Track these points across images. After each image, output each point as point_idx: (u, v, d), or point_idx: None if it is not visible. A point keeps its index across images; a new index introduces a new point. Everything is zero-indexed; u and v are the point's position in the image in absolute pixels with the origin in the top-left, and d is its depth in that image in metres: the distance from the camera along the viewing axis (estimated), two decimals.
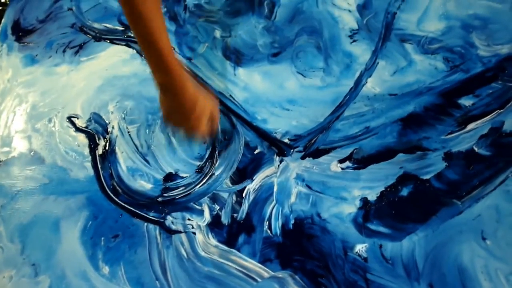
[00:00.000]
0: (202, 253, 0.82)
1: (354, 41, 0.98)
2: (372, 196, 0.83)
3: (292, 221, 0.83)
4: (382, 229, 0.80)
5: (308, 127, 0.91)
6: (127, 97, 0.97)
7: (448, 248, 0.77)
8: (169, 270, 0.82)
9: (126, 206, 0.87)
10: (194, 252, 0.82)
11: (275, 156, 0.88)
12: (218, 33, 1.03)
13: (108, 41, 1.03)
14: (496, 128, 0.85)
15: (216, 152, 0.90)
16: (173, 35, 1.04)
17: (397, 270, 0.78)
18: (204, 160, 0.90)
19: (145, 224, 0.85)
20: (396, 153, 0.86)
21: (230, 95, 0.96)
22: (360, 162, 0.86)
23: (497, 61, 0.92)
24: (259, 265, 0.81)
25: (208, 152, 0.90)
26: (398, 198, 0.82)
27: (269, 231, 0.83)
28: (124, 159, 0.91)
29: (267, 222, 0.84)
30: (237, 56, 1.00)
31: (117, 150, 0.92)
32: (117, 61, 1.01)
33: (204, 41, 1.02)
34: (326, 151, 0.88)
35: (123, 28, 1.05)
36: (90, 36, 1.04)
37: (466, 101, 0.89)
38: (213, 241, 0.83)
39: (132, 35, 1.03)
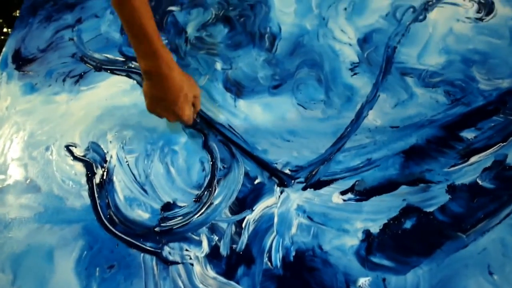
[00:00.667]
0: (200, 285, 0.79)
1: (355, 74, 0.99)
2: (374, 229, 0.81)
3: (293, 253, 0.81)
4: (385, 262, 0.78)
5: (309, 159, 0.90)
6: (126, 126, 0.96)
7: (455, 282, 0.75)
8: None
9: (123, 236, 0.85)
10: (192, 284, 0.80)
11: (276, 186, 0.86)
12: (219, 65, 1.03)
13: (109, 71, 1.03)
14: (499, 161, 0.85)
15: (215, 181, 0.88)
16: None
17: None
18: (202, 189, 0.88)
19: (142, 254, 0.83)
20: (399, 185, 0.84)
21: (230, 126, 0.95)
22: (362, 194, 0.85)
23: (498, 94, 0.92)
24: None
25: (207, 180, 0.89)
26: (401, 230, 0.80)
27: (269, 263, 0.81)
28: (122, 188, 0.89)
29: (267, 254, 0.81)
30: (237, 88, 1.00)
31: (114, 179, 0.90)
32: (117, 92, 1.01)
33: (205, 73, 1.03)
34: (327, 183, 0.87)
35: (124, 59, 1.05)
36: (91, 66, 1.04)
37: (468, 134, 0.88)
38: (211, 272, 0.80)
39: (133, 65, 1.03)
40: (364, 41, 1.05)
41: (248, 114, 0.96)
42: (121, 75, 1.04)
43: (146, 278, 0.80)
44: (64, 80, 1.03)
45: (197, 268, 0.81)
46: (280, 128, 0.94)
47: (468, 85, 0.96)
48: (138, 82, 1.02)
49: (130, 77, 1.03)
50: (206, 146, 0.93)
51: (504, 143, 0.86)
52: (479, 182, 0.83)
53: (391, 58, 1.01)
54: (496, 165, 0.84)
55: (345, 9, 1.09)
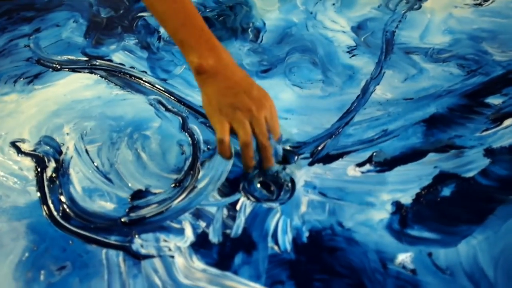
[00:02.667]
0: (184, 281, 0.58)
1: (353, 55, 0.86)
2: (406, 199, 0.64)
3: (306, 234, 0.62)
4: (427, 234, 0.60)
5: (313, 134, 0.74)
6: (87, 118, 0.79)
7: None
8: None
9: (79, 231, 0.64)
10: (173, 280, 0.58)
11: (277, 164, 0.68)
12: None
13: (70, 70, 0.88)
14: None
15: (198, 163, 0.70)
16: (144, 61, 0.90)
17: (460, 281, 0.55)
18: (183, 173, 0.69)
19: (104, 250, 0.62)
20: (426, 153, 0.69)
21: None
22: (383, 164, 0.68)
23: None
24: None
25: (188, 163, 0.70)
26: (439, 198, 0.63)
27: (276, 247, 0.60)
28: (80, 179, 0.70)
29: (272, 238, 0.61)
30: None
31: (71, 171, 0.71)
32: (78, 87, 0.86)
33: (181, 64, 0.88)
34: (338, 156, 0.70)
35: (87, 59, 0.91)
36: (48, 68, 0.89)
37: (494, 100, 0.76)
38: (199, 264, 0.59)
39: (97, 63, 0.89)
40: (358, 28, 0.95)
41: None
42: (84, 72, 0.88)
43: (110, 278, 0.58)
44: (15, 82, 0.87)
45: (179, 261, 0.60)
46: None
47: (482, 57, 0.85)
48: (102, 76, 0.86)
49: (93, 73, 0.87)
50: (185, 129, 0.75)
51: None
52: None
53: (391, 41, 0.90)
54: None
55: (333, 4, 1.00)
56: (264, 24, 0.97)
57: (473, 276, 0.56)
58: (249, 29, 0.96)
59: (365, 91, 0.81)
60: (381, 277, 0.57)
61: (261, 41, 0.93)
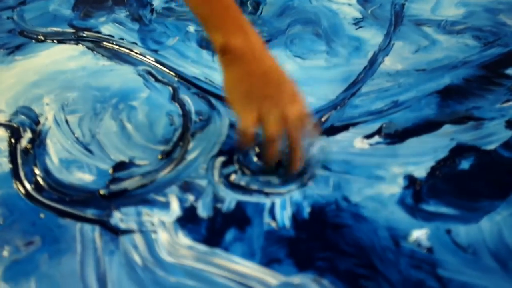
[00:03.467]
0: (168, 258, 0.51)
1: (360, 27, 0.79)
2: (420, 172, 0.56)
3: (308, 209, 0.54)
4: (445, 210, 0.53)
5: (316, 105, 0.66)
6: (69, 89, 0.72)
7: None
8: (112, 284, 0.49)
9: (52, 204, 0.56)
10: (155, 258, 0.51)
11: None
12: (191, 28, 0.83)
13: (55, 41, 0.81)
14: None
15: (189, 134, 0.63)
16: (135, 33, 0.83)
17: (484, 260, 0.48)
18: (171, 144, 0.62)
19: (79, 224, 0.54)
20: (441, 124, 0.61)
21: (207, 78, 0.72)
22: (394, 136, 0.61)
23: None
24: (262, 267, 0.49)
25: (177, 134, 0.63)
26: (458, 172, 0.55)
27: (273, 223, 0.53)
28: (57, 150, 0.63)
29: (269, 213, 0.54)
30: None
31: (48, 142, 0.65)
32: (62, 58, 0.79)
33: (174, 36, 0.81)
34: (344, 128, 0.63)
35: (74, 31, 0.84)
36: (32, 39, 0.82)
37: None
38: (186, 240, 0.52)
39: (85, 35, 0.82)
40: (365, 0, 0.87)
41: None
42: (70, 43, 0.81)
43: (83, 254, 0.51)
44: None
45: (163, 236, 0.52)
46: None
47: (500, 29, 0.78)
48: (88, 48, 0.79)
49: (80, 43, 0.80)
50: (175, 99, 0.68)
51: None
52: None
53: (400, 13, 0.83)
54: None
55: None
56: None
57: (499, 254, 0.49)
58: (248, 2, 0.89)
59: (373, 62, 0.74)
60: (393, 255, 0.50)
61: (261, 13, 0.86)
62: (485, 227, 0.52)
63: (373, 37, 0.79)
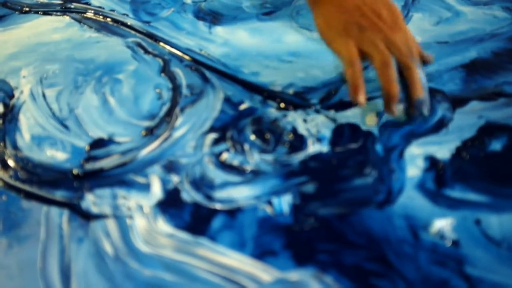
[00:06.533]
0: (143, 248, 0.43)
1: None
2: (443, 153, 0.48)
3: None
4: (473, 196, 0.44)
5: (323, 79, 0.58)
6: (50, 61, 0.65)
7: None
8: (77, 277, 0.41)
9: (17, 184, 0.49)
10: (129, 247, 0.43)
11: (276, 110, 0.53)
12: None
13: (40, 13, 0.74)
14: None
15: (177, 109, 0.55)
16: (127, 4, 0.75)
17: None
18: (157, 119, 0.54)
19: (45, 208, 0.46)
20: (467, 100, 0.52)
21: (201, 50, 0.64)
22: None
23: None
24: (254, 260, 0.41)
25: (165, 109, 0.55)
26: (488, 153, 0.46)
27: (268, 209, 0.45)
28: (30, 126, 0.56)
29: (266, 197, 0.46)
30: (213, 17, 0.71)
31: (21, 117, 0.57)
32: (46, 29, 0.72)
33: (169, 7, 0.74)
34: (354, 103, 0.54)
35: (62, 1, 0.76)
36: (15, 10, 0.75)
37: None
38: (166, 227, 0.44)
39: (72, 6, 0.75)
40: None
41: (229, 39, 0.67)
42: (56, 15, 0.74)
43: (47, 242, 0.44)
44: None
45: (139, 223, 0.44)
46: (276, 50, 0.64)
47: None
48: (75, 19, 0.72)
49: (66, 15, 0.73)
50: (165, 72, 0.60)
51: None
52: None
53: None
54: None
55: None
56: None
57: None
58: None
59: None
60: (411, 249, 0.41)
61: None
62: None
63: None
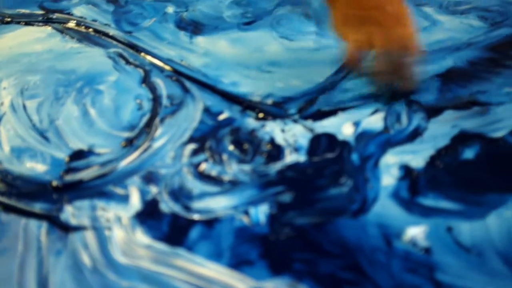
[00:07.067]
0: (121, 259, 0.43)
1: None
2: (417, 162, 0.49)
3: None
4: (445, 204, 0.45)
5: (302, 89, 0.59)
6: (32, 72, 0.65)
7: None
8: None
9: None
10: (107, 258, 0.43)
11: (254, 120, 0.54)
12: (170, 9, 0.76)
13: (22, 23, 0.74)
14: None
15: (157, 120, 0.56)
16: (109, 14, 0.76)
17: (491, 263, 0.40)
18: (137, 130, 0.55)
19: (23, 221, 0.47)
20: (441, 110, 0.53)
21: (182, 60, 0.65)
22: None
23: None
24: (230, 270, 0.42)
25: (145, 120, 0.56)
26: (461, 162, 0.47)
27: (245, 219, 0.45)
28: (9, 138, 0.56)
29: (242, 207, 0.47)
30: (195, 27, 0.72)
31: (1, 129, 0.57)
32: (28, 40, 0.72)
33: (151, 17, 0.74)
34: (332, 113, 0.55)
35: (44, 12, 0.77)
36: None
37: None
38: (144, 238, 0.45)
39: (54, 17, 0.75)
40: None
41: (210, 49, 0.68)
42: (38, 25, 0.74)
43: (25, 255, 0.44)
44: None
45: (118, 234, 0.45)
46: (256, 60, 0.65)
47: (508, 9, 0.71)
48: (57, 30, 0.72)
49: (48, 25, 0.73)
50: (146, 82, 0.61)
51: None
52: None
53: None
54: None
55: None
56: None
57: (508, 256, 0.41)
58: None
59: None
60: (384, 257, 0.42)
61: None
62: (492, 224, 0.44)
63: None
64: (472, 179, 0.48)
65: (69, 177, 0.51)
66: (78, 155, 0.54)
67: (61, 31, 0.74)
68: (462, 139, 0.52)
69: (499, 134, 0.53)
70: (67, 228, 0.47)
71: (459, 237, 0.43)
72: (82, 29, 0.73)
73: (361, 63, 0.57)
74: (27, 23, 0.76)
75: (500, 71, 0.61)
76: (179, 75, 0.63)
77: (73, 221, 0.47)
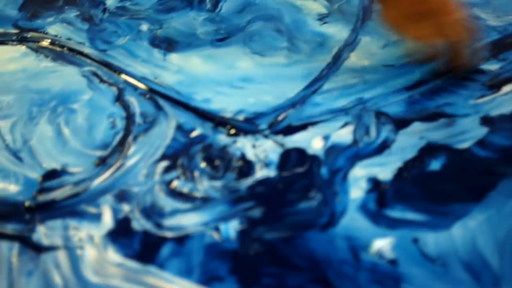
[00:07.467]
0: (93, 278, 0.43)
1: (324, 23, 0.73)
2: (385, 174, 0.50)
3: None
4: (412, 215, 0.46)
5: (272, 104, 0.60)
6: (5, 92, 0.66)
7: None
8: None
9: None
10: (78, 278, 0.44)
11: (226, 137, 0.55)
12: (144, 27, 0.77)
13: None
14: None
15: (130, 138, 0.56)
16: (84, 33, 0.76)
17: (455, 273, 0.41)
18: (109, 149, 0.55)
19: None
20: (409, 122, 0.55)
21: (156, 78, 0.65)
22: None
23: None
24: (200, 287, 0.42)
25: (118, 138, 0.57)
26: (427, 173, 0.49)
27: (215, 235, 0.46)
28: None
29: (213, 223, 0.47)
30: (168, 44, 0.72)
31: None
32: (1, 60, 0.72)
33: (126, 35, 0.75)
34: (302, 127, 0.56)
35: (18, 31, 0.77)
36: None
37: (491, 66, 0.62)
38: (115, 257, 0.45)
39: (28, 36, 0.76)
40: None
41: (183, 66, 0.68)
42: (12, 44, 0.75)
43: None
44: None
45: (90, 253, 0.45)
46: (228, 76, 0.66)
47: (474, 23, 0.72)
48: (31, 49, 0.73)
49: (22, 44, 0.74)
50: (120, 101, 0.62)
51: None
52: None
53: (369, 7, 0.77)
54: None
55: None
56: None
57: (472, 266, 0.43)
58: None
59: (337, 58, 0.68)
60: (352, 269, 0.43)
61: (220, 10, 0.80)
62: (456, 234, 0.45)
63: (338, 32, 0.73)
64: (438, 190, 0.49)
65: (42, 197, 0.52)
66: (51, 174, 0.54)
67: (35, 50, 0.74)
68: (429, 150, 0.54)
69: (464, 145, 0.54)
70: (39, 249, 0.47)
71: (424, 248, 0.44)
72: (57, 47, 0.74)
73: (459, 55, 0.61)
74: (1, 42, 0.76)
75: (466, 83, 0.62)
76: (152, 93, 0.63)
77: (45, 241, 0.47)
